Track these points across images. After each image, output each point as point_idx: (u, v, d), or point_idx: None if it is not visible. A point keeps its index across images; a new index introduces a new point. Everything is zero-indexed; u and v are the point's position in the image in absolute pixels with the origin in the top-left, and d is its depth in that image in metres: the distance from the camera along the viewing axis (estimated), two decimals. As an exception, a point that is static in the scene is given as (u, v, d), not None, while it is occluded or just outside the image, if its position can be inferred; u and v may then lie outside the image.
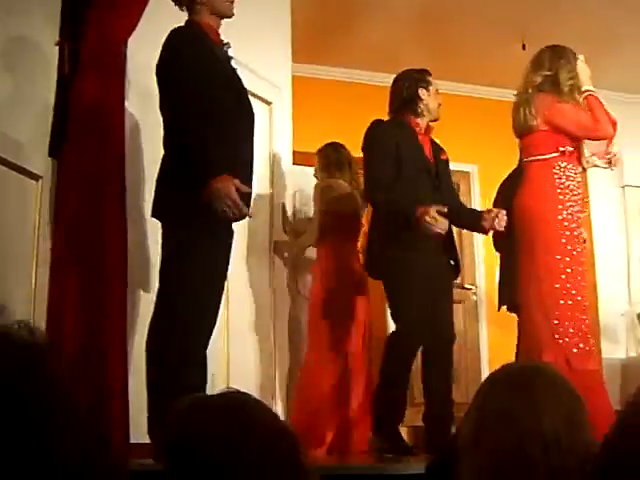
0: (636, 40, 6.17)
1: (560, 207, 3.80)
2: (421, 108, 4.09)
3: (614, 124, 3.78)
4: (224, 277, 3.09)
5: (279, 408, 4.43)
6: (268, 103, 4.75)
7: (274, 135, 4.83)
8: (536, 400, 1.22)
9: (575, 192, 3.86)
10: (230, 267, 3.11)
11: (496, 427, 1.20)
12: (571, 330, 3.60)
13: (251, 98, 3.27)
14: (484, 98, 6.76)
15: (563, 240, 3.75)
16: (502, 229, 3.89)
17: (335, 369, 4.50)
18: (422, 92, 4.08)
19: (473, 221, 4.10)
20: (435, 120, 4.18)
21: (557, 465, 1.11)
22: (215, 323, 3.01)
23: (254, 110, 3.20)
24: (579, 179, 3.91)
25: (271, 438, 1.10)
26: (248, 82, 3.29)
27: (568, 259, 3.74)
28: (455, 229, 4.21)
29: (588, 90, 3.84)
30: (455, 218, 4.00)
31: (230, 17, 3.19)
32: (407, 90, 4.09)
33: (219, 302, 3.05)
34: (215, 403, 1.17)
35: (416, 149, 4.06)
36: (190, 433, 1.10)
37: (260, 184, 4.16)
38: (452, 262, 4.18)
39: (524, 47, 5.27)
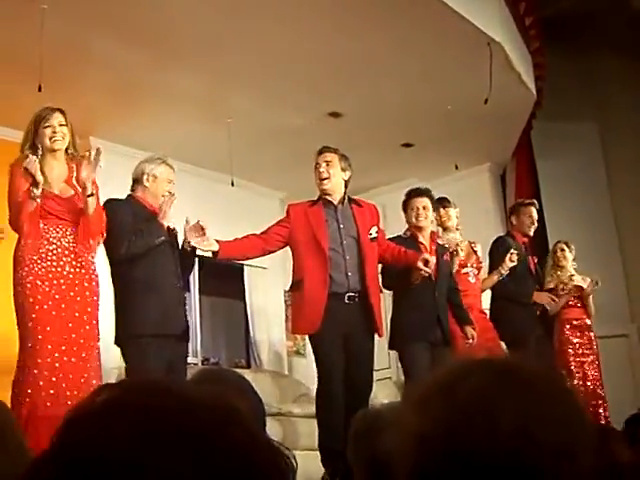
0: (156, 96, 6.45)
1: (32, 266, 3.89)
2: None
3: None
4: None
5: None
6: None
7: None
8: None
9: (55, 250, 3.95)
10: None
11: None
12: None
13: None
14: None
15: (30, 300, 3.83)
16: None
17: None
18: None
19: None
20: None
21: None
22: None
23: None
24: (67, 237, 3.99)
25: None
26: None
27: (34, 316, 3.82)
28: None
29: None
30: None
31: None
32: None
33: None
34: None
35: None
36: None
37: None
38: None
39: (40, 89, 5.16)
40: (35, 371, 3.72)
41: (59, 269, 3.92)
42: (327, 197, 4.72)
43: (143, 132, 6.92)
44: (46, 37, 5.00)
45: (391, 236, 5.13)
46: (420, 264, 4.67)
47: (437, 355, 4.95)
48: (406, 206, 5.28)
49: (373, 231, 4.75)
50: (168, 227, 4.40)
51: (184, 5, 5.27)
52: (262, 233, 4.75)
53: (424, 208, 5.22)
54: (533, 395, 0.88)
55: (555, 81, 7.46)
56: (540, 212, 6.29)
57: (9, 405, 3.63)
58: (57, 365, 3.77)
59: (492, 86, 6.03)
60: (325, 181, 4.68)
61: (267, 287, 8.51)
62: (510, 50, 6.26)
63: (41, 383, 3.70)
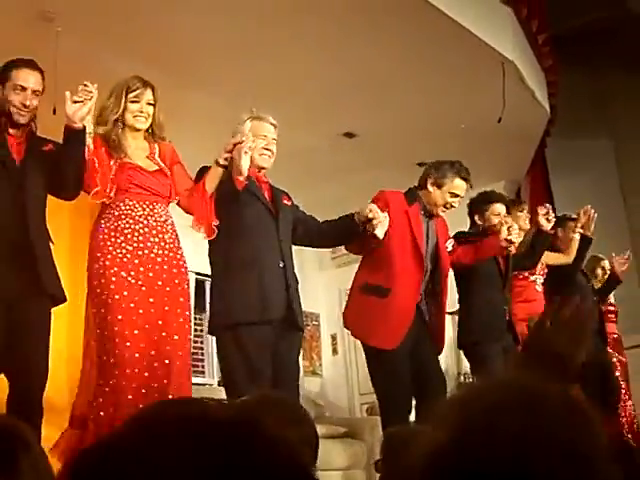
0: (172, 116, 6.41)
1: (115, 250, 3.47)
2: None
3: None
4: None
5: None
6: None
7: None
8: None
9: (142, 230, 3.52)
10: None
11: None
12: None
13: None
14: None
15: (116, 296, 3.39)
16: None
17: None
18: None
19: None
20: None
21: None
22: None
23: None
24: (154, 216, 3.58)
25: None
26: None
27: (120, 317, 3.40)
28: None
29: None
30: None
31: None
32: None
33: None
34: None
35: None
36: None
37: None
38: None
39: (55, 112, 5.19)
40: (121, 383, 3.28)
41: (146, 251, 3.47)
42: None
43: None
44: (60, 59, 5.04)
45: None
46: (504, 238, 4.54)
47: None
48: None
49: (449, 244, 4.64)
50: (275, 197, 4.02)
51: (198, 26, 5.31)
52: None
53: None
54: (539, 414, 0.86)
55: (568, 98, 7.45)
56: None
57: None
58: (146, 374, 3.31)
59: (506, 104, 6.02)
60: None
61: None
62: (523, 68, 6.25)
63: (130, 397, 3.25)
